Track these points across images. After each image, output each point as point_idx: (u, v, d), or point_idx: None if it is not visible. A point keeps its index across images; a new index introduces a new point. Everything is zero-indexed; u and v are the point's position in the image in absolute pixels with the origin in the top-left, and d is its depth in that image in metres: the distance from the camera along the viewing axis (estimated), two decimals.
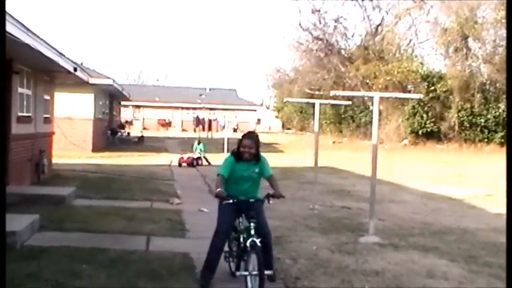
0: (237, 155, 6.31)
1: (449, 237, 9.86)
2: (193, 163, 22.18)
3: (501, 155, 32.43)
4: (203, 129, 50.14)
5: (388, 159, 23.99)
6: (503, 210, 13.14)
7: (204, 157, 22.88)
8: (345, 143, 43.88)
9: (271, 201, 6.23)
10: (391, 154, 30.12)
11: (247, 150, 6.25)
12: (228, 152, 29.05)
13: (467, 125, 39.46)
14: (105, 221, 9.92)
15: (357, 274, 7.10)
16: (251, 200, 6.21)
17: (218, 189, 5.99)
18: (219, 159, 25.28)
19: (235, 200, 6.06)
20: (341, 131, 49.06)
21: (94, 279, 6.41)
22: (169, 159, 23.96)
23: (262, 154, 6.43)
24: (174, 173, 19.69)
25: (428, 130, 40.01)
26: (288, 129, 69.32)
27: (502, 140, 38.34)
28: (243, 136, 6.38)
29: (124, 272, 6.68)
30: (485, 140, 39.20)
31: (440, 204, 14.14)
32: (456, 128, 39.52)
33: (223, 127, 43.98)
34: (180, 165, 22.00)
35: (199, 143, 23.63)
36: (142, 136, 38.92)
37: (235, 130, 61.15)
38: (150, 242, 8.49)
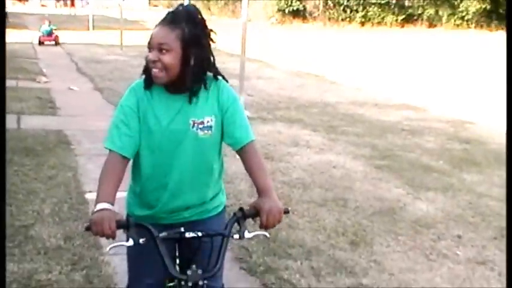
0: (145, 71, 2.31)
1: (313, 110, 10.62)
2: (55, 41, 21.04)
3: (361, 34, 34.09)
4: (65, 4, 47.42)
5: (256, 38, 24.35)
6: (361, 85, 14.19)
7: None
8: (214, 20, 43.65)
9: (247, 235, 2.19)
10: (259, 32, 30.52)
11: (154, 57, 2.24)
12: (93, 29, 27.96)
13: (331, 4, 40.56)
14: None
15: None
16: (191, 218, 2.46)
17: (97, 207, 2.05)
18: (83, 38, 24.45)
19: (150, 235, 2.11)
20: (209, 9, 48.50)
21: None
22: (30, 37, 22.69)
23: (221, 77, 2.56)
24: (37, 51, 18.85)
25: (295, 9, 40.70)
26: (155, 6, 67.23)
27: (363, 20, 39.97)
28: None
29: None
30: (348, 19, 40.66)
31: (305, 80, 14.90)
32: (321, 7, 40.52)
33: (88, 3, 41.77)
34: (42, 43, 20.86)
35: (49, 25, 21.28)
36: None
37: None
38: (21, 120, 8.41)
